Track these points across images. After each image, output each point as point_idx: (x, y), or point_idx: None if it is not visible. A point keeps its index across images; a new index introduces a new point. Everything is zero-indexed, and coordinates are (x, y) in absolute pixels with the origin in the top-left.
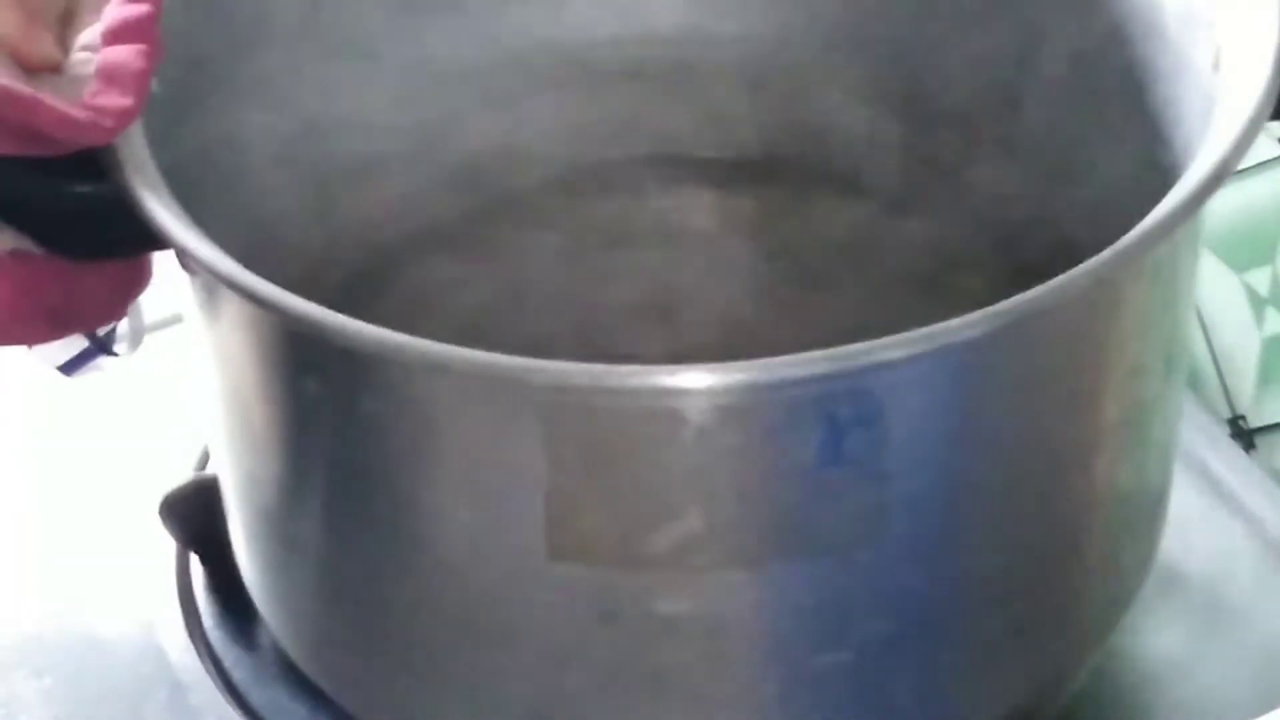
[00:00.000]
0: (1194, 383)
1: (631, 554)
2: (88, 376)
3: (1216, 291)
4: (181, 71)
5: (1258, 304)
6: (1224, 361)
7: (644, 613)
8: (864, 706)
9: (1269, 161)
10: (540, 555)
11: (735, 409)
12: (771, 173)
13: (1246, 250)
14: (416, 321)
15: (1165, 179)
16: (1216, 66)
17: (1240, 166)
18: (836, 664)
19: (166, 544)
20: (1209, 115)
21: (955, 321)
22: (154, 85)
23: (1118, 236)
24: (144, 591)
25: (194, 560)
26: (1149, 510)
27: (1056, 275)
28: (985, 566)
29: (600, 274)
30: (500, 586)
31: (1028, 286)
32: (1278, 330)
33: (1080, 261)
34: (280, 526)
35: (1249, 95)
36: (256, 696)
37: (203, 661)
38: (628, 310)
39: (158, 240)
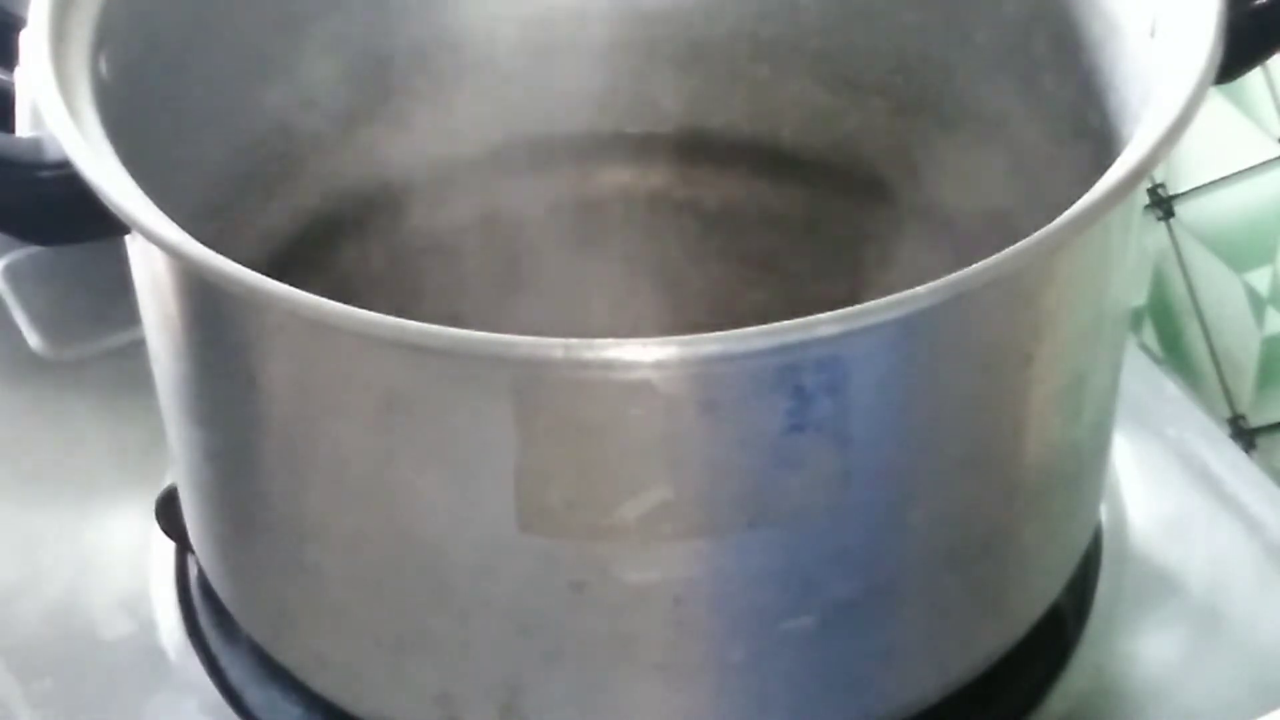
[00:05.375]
0: (1194, 383)
1: (601, 524)
2: (88, 375)
3: (1216, 291)
4: (134, 52)
5: (1258, 304)
6: (1224, 361)
7: (613, 582)
8: (828, 671)
9: (1269, 161)
10: (511, 526)
11: (706, 379)
12: (704, 147)
13: (1246, 250)
14: (356, 296)
15: (1095, 144)
16: (1153, 33)
17: (1240, 167)
18: (800, 629)
19: (165, 544)
20: (1144, 80)
21: (920, 289)
22: (104, 70)
23: (1049, 201)
24: (144, 592)
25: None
26: (1095, 467)
27: (989, 243)
28: (943, 528)
29: (532, 249)
30: (471, 558)
31: (963, 256)
32: (1278, 330)
33: (1012, 226)
34: (244, 504)
35: (1192, 61)
36: (252, 696)
37: (200, 661)
38: (555, 285)
39: (121, 224)
